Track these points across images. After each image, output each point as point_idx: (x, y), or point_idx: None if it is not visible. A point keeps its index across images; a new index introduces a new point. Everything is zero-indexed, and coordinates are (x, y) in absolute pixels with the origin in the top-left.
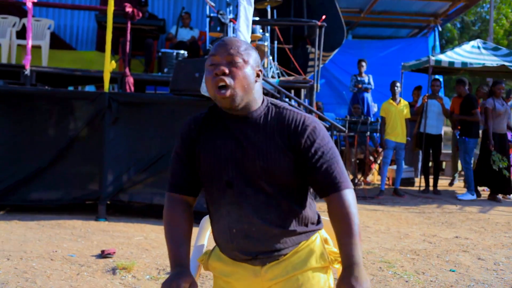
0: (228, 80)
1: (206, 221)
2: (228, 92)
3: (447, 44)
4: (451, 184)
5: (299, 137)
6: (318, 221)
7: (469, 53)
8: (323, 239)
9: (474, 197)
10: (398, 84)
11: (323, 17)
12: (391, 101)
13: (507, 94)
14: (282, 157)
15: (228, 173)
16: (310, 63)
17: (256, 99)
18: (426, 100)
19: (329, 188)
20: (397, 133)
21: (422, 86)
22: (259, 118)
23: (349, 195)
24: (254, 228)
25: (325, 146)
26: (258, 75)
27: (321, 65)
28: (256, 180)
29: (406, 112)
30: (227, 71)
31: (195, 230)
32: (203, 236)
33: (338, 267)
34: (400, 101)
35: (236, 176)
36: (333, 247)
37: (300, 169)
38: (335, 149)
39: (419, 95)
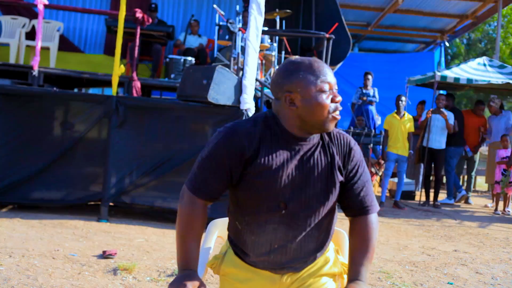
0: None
1: (213, 225)
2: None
3: (453, 59)
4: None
5: (349, 158)
6: None
7: (475, 70)
8: (335, 249)
9: (452, 201)
10: (403, 98)
11: (333, 28)
12: (395, 114)
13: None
14: (337, 177)
15: (284, 195)
16: None
17: None
18: (430, 114)
19: (360, 210)
20: (399, 146)
21: (426, 101)
22: (318, 141)
23: (375, 219)
24: (295, 246)
25: (363, 167)
26: None
27: None
28: (313, 203)
29: (409, 126)
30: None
31: None
32: (210, 240)
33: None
34: (404, 115)
35: (293, 198)
36: (342, 258)
37: (341, 188)
38: (367, 170)
39: (423, 109)
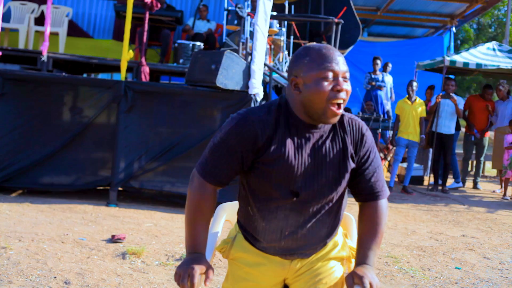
0: (345, 97)
1: (221, 209)
2: (341, 110)
3: (462, 44)
4: (462, 184)
5: (361, 144)
6: None
7: (484, 55)
8: (343, 234)
9: (460, 184)
10: (414, 84)
11: (341, 12)
12: (406, 99)
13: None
14: (350, 165)
15: (297, 183)
16: None
17: None
18: (439, 99)
19: (370, 196)
20: (410, 132)
21: (435, 86)
22: (331, 129)
23: (385, 205)
24: (306, 232)
25: (374, 153)
26: None
27: None
28: (324, 191)
29: (421, 110)
30: (345, 88)
31: None
32: (218, 224)
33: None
34: (415, 100)
35: (305, 186)
36: (351, 242)
37: (352, 174)
38: (378, 155)
39: (432, 94)
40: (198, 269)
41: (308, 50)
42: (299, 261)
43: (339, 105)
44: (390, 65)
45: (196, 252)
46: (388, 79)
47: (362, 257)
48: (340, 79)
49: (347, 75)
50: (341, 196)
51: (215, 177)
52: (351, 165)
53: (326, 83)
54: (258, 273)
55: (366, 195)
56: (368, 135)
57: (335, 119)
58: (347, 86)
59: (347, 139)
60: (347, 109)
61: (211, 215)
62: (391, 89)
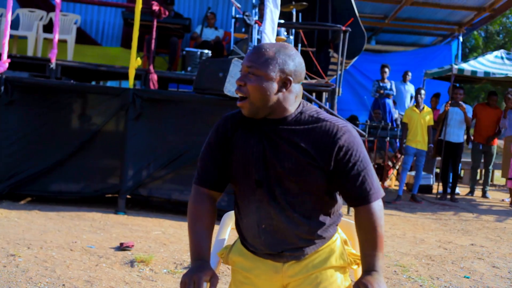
0: (244, 92)
1: (228, 217)
2: (244, 103)
3: (470, 52)
4: (471, 193)
5: (330, 148)
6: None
7: (492, 63)
8: (343, 240)
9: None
10: (422, 92)
11: (349, 21)
12: (415, 108)
13: None
14: (309, 162)
15: (259, 172)
16: (331, 67)
17: (285, 107)
18: (448, 107)
19: (358, 200)
20: (418, 140)
21: (440, 93)
22: (292, 123)
23: (378, 207)
24: (281, 225)
25: (358, 156)
26: (285, 84)
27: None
28: (284, 181)
29: (429, 119)
30: (242, 83)
31: (216, 227)
32: (225, 232)
33: (356, 268)
34: (423, 108)
35: (266, 175)
36: (351, 249)
37: (331, 177)
38: (366, 157)
39: (437, 102)
40: (203, 276)
41: None
42: (291, 265)
43: (241, 97)
44: (410, 73)
45: (200, 259)
46: (409, 88)
47: (367, 265)
48: (242, 76)
49: (253, 70)
50: (316, 195)
51: (205, 179)
52: (313, 162)
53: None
54: (254, 277)
55: (355, 200)
56: (345, 138)
57: (245, 112)
58: (247, 80)
59: (305, 135)
60: (353, 117)
61: (210, 221)
62: (412, 98)
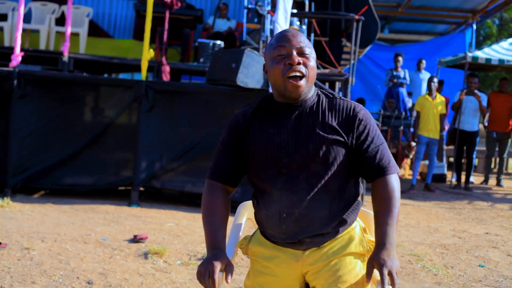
0: (304, 70)
1: (243, 207)
2: (302, 82)
3: (484, 40)
4: (485, 182)
5: (353, 122)
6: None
7: (507, 50)
8: (362, 228)
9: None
10: (435, 80)
11: (362, 10)
12: (427, 96)
13: None
14: (335, 138)
15: (281, 160)
16: (344, 56)
17: (312, 88)
18: (463, 96)
19: (377, 172)
20: (430, 129)
21: (444, 81)
22: (312, 106)
23: (395, 180)
24: (304, 212)
25: (374, 131)
26: (317, 66)
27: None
28: (310, 164)
29: (441, 108)
30: (301, 61)
31: (230, 219)
32: (240, 221)
33: None
34: (436, 96)
35: (289, 162)
36: (370, 236)
37: (351, 153)
38: (381, 134)
39: (441, 89)
40: (218, 265)
41: (274, 36)
42: (311, 252)
43: (296, 77)
44: (424, 61)
45: (215, 249)
46: (424, 76)
47: (380, 235)
48: (294, 53)
49: (305, 50)
50: (340, 176)
51: (219, 173)
52: (334, 137)
53: (279, 60)
54: (274, 266)
55: (374, 172)
56: (363, 113)
57: (298, 92)
58: (303, 59)
59: (328, 114)
60: (361, 100)
61: (225, 212)
62: None
